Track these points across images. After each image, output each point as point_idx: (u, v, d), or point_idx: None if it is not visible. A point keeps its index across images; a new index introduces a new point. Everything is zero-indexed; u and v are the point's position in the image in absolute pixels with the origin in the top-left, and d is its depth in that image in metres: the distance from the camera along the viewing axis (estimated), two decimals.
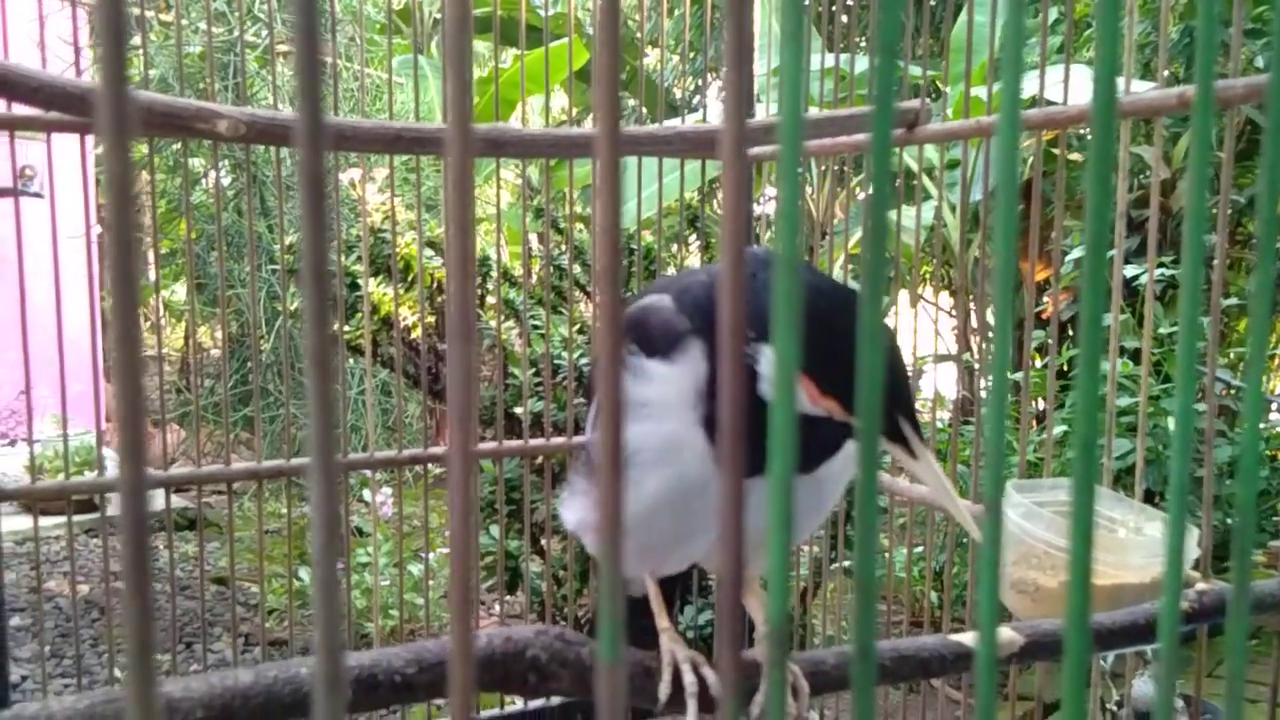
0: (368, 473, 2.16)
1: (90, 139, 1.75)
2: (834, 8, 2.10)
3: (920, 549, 2.16)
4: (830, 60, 2.06)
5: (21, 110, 1.54)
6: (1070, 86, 1.55)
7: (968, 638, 0.82)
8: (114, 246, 0.24)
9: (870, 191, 0.29)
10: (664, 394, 0.79)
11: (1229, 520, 2.49)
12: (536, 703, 2.22)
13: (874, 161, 0.28)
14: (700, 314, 0.80)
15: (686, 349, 0.79)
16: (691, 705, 0.75)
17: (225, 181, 3.97)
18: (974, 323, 3.56)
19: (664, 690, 0.76)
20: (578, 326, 2.78)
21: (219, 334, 2.20)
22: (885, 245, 0.28)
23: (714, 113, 3.92)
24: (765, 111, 2.88)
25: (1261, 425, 2.64)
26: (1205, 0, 0.34)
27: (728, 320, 0.27)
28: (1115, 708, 1.93)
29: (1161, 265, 2.02)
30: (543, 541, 2.47)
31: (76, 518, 1.93)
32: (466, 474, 0.29)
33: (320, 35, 0.26)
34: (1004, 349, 0.32)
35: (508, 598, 2.70)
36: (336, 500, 0.27)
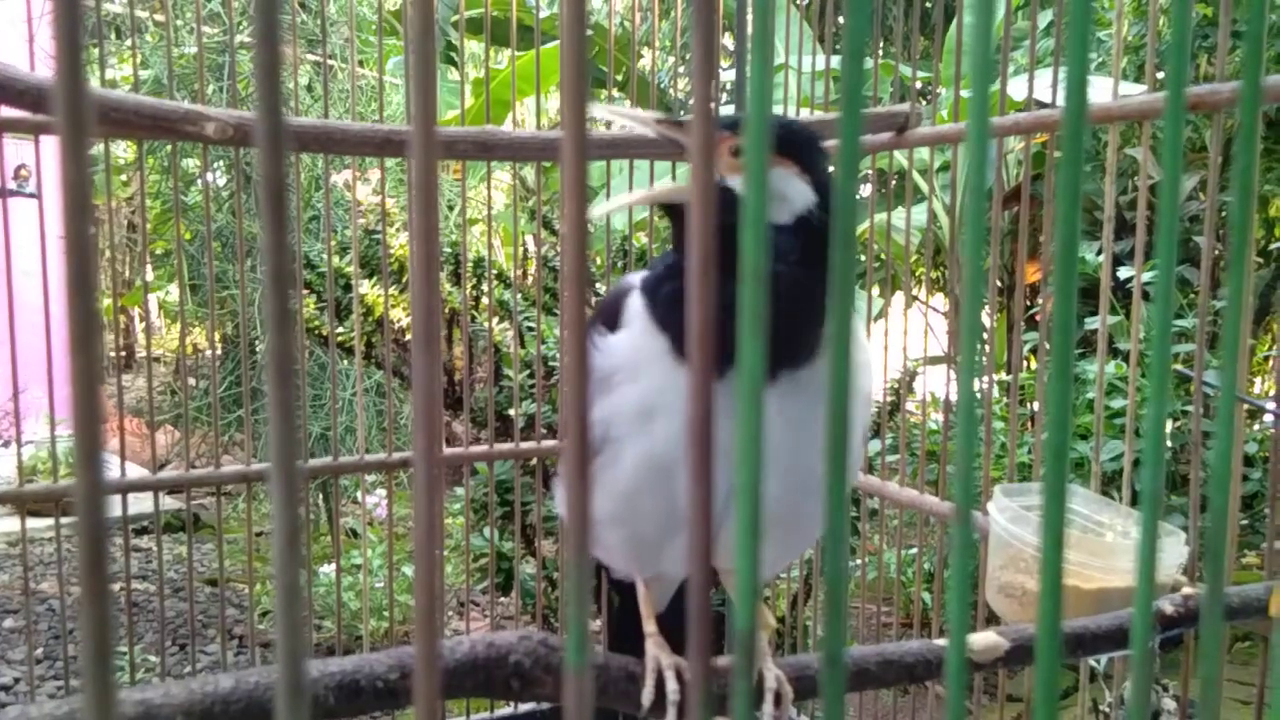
0: (361, 474, 2.15)
1: None
2: (826, 7, 2.10)
3: (913, 550, 2.16)
4: (823, 63, 2.06)
5: (10, 112, 1.53)
6: (1061, 90, 1.55)
7: None
8: (70, 243, 0.24)
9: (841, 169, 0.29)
10: (625, 356, 0.79)
11: None
12: (526, 706, 2.22)
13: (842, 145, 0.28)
14: (648, 275, 0.83)
15: (630, 304, 0.81)
16: (671, 713, 0.74)
17: (221, 182, 3.96)
18: None
19: (647, 696, 0.76)
20: None
21: (214, 335, 2.22)
22: (854, 224, 0.28)
23: None
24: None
25: (1257, 427, 2.62)
26: (1178, 5, 0.34)
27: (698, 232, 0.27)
28: (1108, 709, 1.93)
29: (1152, 267, 2.02)
30: (536, 543, 2.47)
31: (66, 520, 1.92)
32: (431, 485, 0.29)
33: (280, 36, 0.26)
34: (970, 354, 0.32)
35: (501, 599, 2.70)
36: (298, 507, 0.27)
